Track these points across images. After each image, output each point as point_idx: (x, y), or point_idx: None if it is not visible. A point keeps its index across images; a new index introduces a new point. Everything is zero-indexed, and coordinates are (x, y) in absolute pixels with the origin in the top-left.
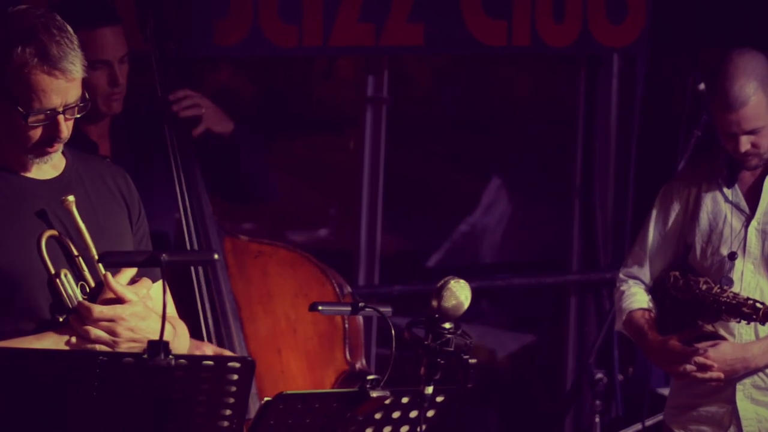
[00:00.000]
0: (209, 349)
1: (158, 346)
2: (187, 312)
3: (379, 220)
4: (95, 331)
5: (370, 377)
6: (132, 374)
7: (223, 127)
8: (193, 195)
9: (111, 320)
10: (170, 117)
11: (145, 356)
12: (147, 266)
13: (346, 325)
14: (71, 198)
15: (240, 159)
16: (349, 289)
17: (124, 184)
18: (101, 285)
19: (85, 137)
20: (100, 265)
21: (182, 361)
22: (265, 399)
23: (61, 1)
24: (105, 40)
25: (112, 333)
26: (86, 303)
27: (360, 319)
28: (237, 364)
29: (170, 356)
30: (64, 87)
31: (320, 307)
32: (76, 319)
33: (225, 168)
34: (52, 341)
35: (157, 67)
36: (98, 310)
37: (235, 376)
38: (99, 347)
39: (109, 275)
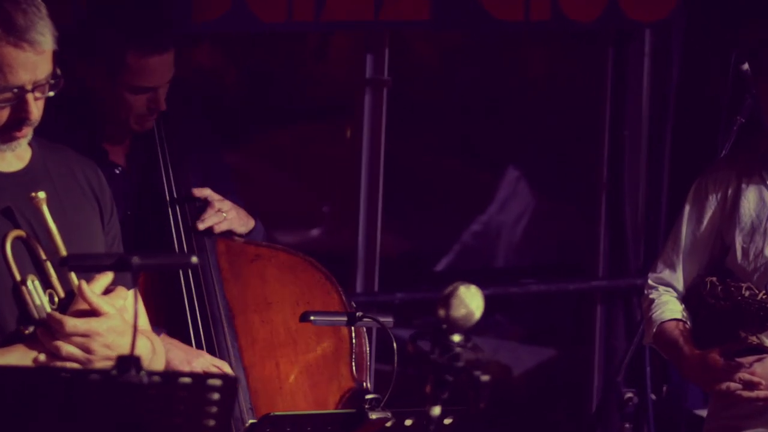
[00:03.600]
0: (206, 359)
1: (129, 362)
2: (174, 320)
3: (379, 218)
4: (67, 347)
5: (369, 396)
6: (100, 393)
7: (245, 229)
8: (182, 190)
9: (85, 335)
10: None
11: (114, 372)
12: (116, 270)
13: (354, 338)
14: (41, 194)
15: None
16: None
17: (95, 179)
18: (72, 294)
19: (105, 155)
20: (72, 272)
21: (156, 377)
22: (250, 421)
23: (118, 18)
24: (156, 67)
25: (86, 349)
26: (57, 315)
27: (364, 333)
28: (218, 382)
29: (142, 372)
30: (32, 61)
31: (312, 317)
32: (44, 332)
33: None
34: (18, 357)
35: None
36: (71, 323)
37: (216, 395)
38: (70, 365)
39: (83, 284)
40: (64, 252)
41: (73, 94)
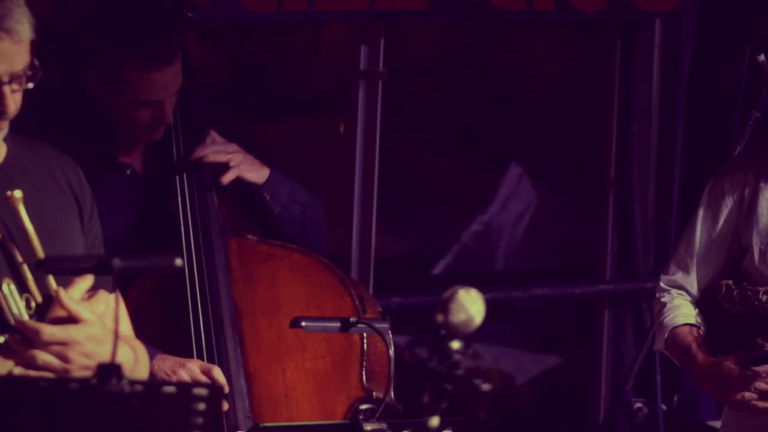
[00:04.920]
0: (195, 366)
1: (109, 370)
2: (177, 319)
3: (373, 218)
4: (43, 356)
5: (363, 407)
6: (79, 403)
7: (257, 176)
8: (194, 183)
9: (63, 343)
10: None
11: (95, 381)
12: (96, 273)
13: (365, 345)
14: (18, 194)
15: (273, 210)
16: (378, 307)
17: (75, 177)
18: (50, 298)
19: (113, 157)
20: (50, 275)
21: (138, 387)
22: None
23: (116, 27)
24: (160, 81)
25: (64, 358)
26: (32, 323)
27: (389, 339)
28: (204, 392)
29: (124, 381)
30: (9, 51)
31: (303, 323)
32: (19, 340)
33: (257, 212)
34: None
35: None
36: (48, 331)
37: (202, 406)
38: (33, 374)
39: (61, 290)
40: (41, 254)
41: (75, 94)
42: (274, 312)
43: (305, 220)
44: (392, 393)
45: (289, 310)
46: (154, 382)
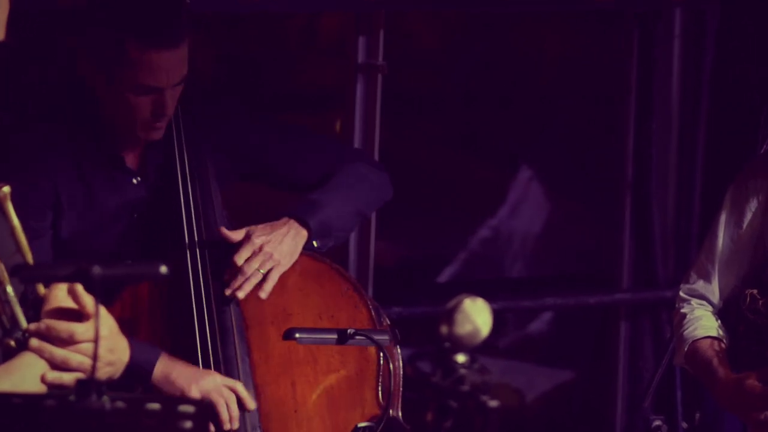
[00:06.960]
0: (215, 379)
1: (88, 385)
2: (179, 328)
3: (372, 222)
4: (76, 357)
5: (362, 425)
6: (55, 422)
7: (295, 254)
8: (198, 182)
9: (92, 341)
10: None
11: (72, 398)
12: (74, 282)
13: (381, 360)
14: (6, 189)
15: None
16: (386, 319)
17: None
18: (27, 297)
19: (121, 161)
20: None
21: (119, 403)
22: None
23: (120, 3)
24: (162, 64)
25: (93, 356)
26: (64, 324)
27: (398, 354)
28: (190, 409)
29: (104, 398)
30: None
31: (297, 335)
32: (43, 342)
33: None
34: (24, 375)
35: None
36: (81, 330)
37: (189, 424)
38: (67, 376)
39: (78, 286)
40: (28, 253)
41: (77, 95)
42: (284, 321)
43: (366, 212)
44: (400, 411)
45: (300, 319)
46: (136, 399)
